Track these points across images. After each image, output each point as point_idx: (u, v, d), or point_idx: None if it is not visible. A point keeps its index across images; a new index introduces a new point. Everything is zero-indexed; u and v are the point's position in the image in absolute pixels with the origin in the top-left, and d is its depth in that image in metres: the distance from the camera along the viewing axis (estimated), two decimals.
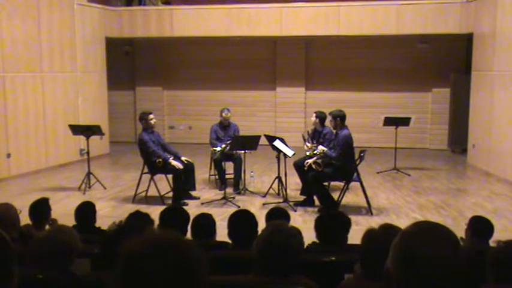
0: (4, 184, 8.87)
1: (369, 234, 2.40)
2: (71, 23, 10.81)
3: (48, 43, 10.19)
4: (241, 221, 3.46)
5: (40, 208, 4.30)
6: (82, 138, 8.82)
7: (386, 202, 7.66)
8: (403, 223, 2.00)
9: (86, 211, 4.40)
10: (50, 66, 10.28)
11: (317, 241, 3.43)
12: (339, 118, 6.97)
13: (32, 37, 9.78)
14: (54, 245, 2.61)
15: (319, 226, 3.39)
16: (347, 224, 3.40)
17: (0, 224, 3.37)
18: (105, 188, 8.43)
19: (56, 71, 10.44)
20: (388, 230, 2.29)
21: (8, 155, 9.29)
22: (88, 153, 8.57)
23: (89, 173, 8.44)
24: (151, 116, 7.66)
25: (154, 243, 1.17)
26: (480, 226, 3.78)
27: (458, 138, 11.87)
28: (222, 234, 3.65)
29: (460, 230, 3.71)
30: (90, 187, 8.42)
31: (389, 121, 9.95)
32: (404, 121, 9.99)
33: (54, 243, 2.62)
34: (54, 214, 4.50)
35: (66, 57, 10.71)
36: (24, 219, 4.18)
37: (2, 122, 9.18)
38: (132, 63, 13.83)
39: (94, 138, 8.96)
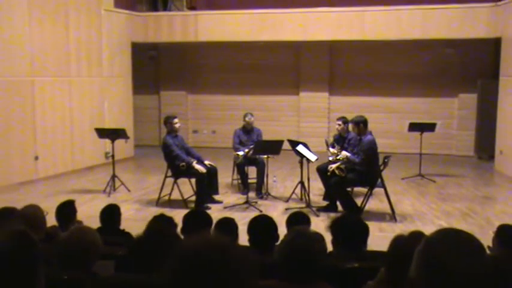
0: (32, 186, 9.06)
1: (398, 240, 2.37)
2: (98, 28, 11.01)
3: (76, 48, 10.40)
4: (261, 226, 3.46)
5: (66, 210, 4.36)
6: (107, 141, 8.95)
7: (410, 209, 7.56)
8: (428, 230, 1.98)
9: (111, 213, 4.45)
10: (78, 70, 10.47)
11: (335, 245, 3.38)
12: (362, 123, 6.93)
13: (60, 42, 9.99)
14: (75, 246, 2.65)
15: (334, 231, 3.34)
16: (364, 230, 3.33)
17: (27, 225, 3.44)
18: (129, 191, 8.53)
19: (83, 75, 10.63)
20: (417, 237, 2.26)
21: (36, 158, 9.48)
22: (113, 156, 8.69)
23: (113, 176, 8.56)
24: (175, 120, 7.73)
25: (210, 246, 1.21)
26: (508, 235, 3.70)
27: (485, 144, 11.65)
28: (244, 238, 3.65)
29: (487, 239, 3.64)
30: (115, 190, 8.53)
31: (414, 127, 9.83)
32: (430, 127, 9.85)
33: (75, 243, 2.66)
34: (79, 216, 4.57)
35: (93, 61, 10.90)
36: (51, 220, 4.26)
37: (31, 125, 9.38)
38: (157, 67, 13.98)
39: (119, 142, 9.08)
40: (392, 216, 6.93)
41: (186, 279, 1.17)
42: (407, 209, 7.51)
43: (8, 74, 8.90)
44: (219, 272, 1.17)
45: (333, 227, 3.24)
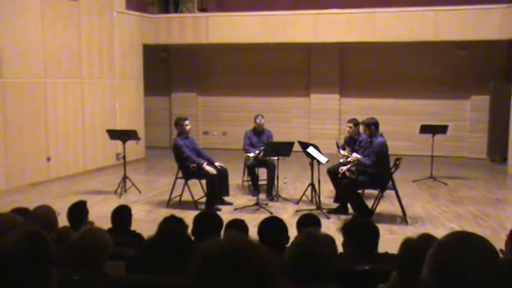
0: (44, 187, 9.13)
1: (407, 243, 2.36)
2: (110, 31, 11.08)
3: (88, 50, 10.48)
4: (271, 227, 3.46)
5: (78, 211, 4.38)
6: (119, 142, 9.00)
7: (422, 211, 7.52)
8: (439, 233, 1.96)
9: (122, 214, 4.46)
10: (89, 72, 10.55)
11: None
12: (373, 126, 6.91)
13: (72, 44, 10.07)
14: (86, 246, 2.66)
15: (345, 233, 3.32)
16: (374, 233, 3.31)
17: (39, 226, 3.47)
18: (140, 192, 8.57)
19: (94, 77, 10.71)
20: (426, 239, 2.25)
21: (48, 159, 9.57)
22: (124, 157, 8.73)
23: (125, 177, 8.60)
24: (186, 122, 7.75)
25: (232, 247, 1.21)
26: None
27: (497, 146, 11.55)
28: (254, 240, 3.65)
29: (500, 242, 3.60)
30: (126, 191, 8.57)
31: (425, 129, 9.78)
32: (442, 129, 9.79)
33: (86, 244, 2.67)
34: (91, 217, 4.59)
35: (104, 63, 10.98)
36: (63, 221, 4.29)
37: (43, 126, 9.47)
38: (168, 69, 14.04)
39: (130, 143, 9.12)
40: (403, 219, 6.88)
41: (213, 281, 1.16)
42: (419, 212, 7.47)
43: (21, 75, 8.99)
44: (247, 273, 1.16)
45: (344, 229, 3.23)
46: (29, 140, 9.19)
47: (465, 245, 1.30)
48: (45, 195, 8.44)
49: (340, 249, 3.10)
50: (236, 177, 8.96)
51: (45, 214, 3.87)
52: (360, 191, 7.30)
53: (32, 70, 9.22)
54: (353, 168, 7.00)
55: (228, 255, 1.18)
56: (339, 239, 3.10)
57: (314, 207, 7.35)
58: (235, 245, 1.22)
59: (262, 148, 7.88)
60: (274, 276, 1.21)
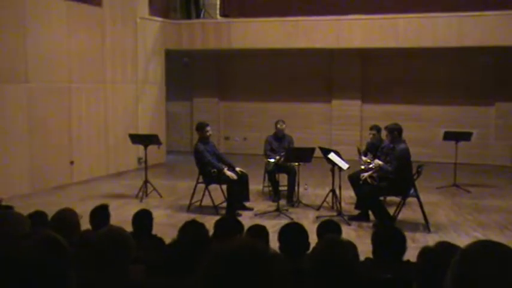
0: (67, 190, 9.26)
1: (425, 252, 2.33)
2: (133, 36, 11.22)
3: (111, 55, 10.63)
4: (292, 233, 3.44)
5: (100, 214, 4.43)
6: (140, 147, 9.09)
7: (445, 219, 7.40)
8: (463, 242, 1.92)
9: (143, 218, 4.49)
10: (113, 77, 10.69)
11: (371, 257, 3.35)
12: (396, 131, 6.84)
13: (96, 50, 10.23)
14: (109, 244, 2.63)
15: (377, 242, 3.30)
16: (403, 242, 3.30)
17: (61, 228, 3.51)
18: (161, 197, 8.62)
19: (117, 82, 10.85)
20: (444, 248, 2.22)
21: (72, 162, 9.70)
22: (146, 162, 8.81)
23: (146, 181, 8.67)
24: (207, 128, 7.79)
25: (242, 251, 1.20)
26: None
27: None
28: (275, 246, 3.63)
29: None
30: (147, 195, 8.64)
31: (449, 135, 9.64)
32: (466, 136, 9.64)
33: (109, 242, 2.65)
34: (112, 221, 4.62)
35: (127, 68, 11.12)
36: (85, 224, 4.33)
37: (67, 130, 9.62)
38: (190, 74, 14.13)
39: (152, 148, 9.20)
40: (426, 227, 6.79)
41: (221, 284, 1.16)
42: (442, 220, 7.35)
43: (46, 80, 9.16)
44: (254, 277, 1.16)
45: (372, 237, 3.23)
46: (53, 143, 9.34)
47: (490, 254, 1.27)
48: (68, 198, 8.54)
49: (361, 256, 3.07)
50: (257, 183, 8.94)
51: (67, 217, 3.91)
52: (381, 198, 7.23)
53: (57, 75, 9.39)
54: (375, 175, 6.94)
55: (236, 258, 1.17)
56: (360, 246, 3.07)
57: (335, 213, 7.30)
58: (248, 248, 1.21)
59: (283, 154, 7.87)
60: (284, 283, 1.20)
